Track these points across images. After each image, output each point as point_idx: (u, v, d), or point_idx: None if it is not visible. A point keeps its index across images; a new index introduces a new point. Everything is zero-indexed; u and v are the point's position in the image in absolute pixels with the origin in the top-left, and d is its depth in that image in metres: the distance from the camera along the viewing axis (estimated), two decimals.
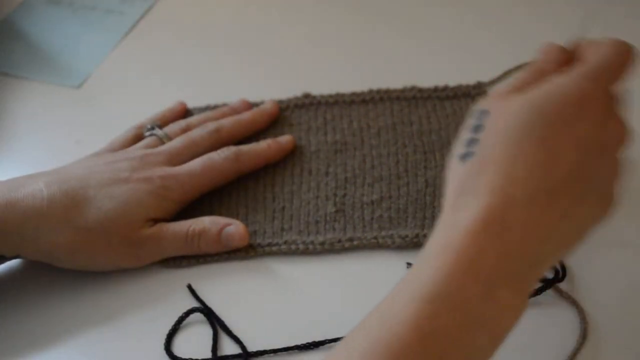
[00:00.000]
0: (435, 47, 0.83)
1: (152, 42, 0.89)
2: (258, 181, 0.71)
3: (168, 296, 0.65)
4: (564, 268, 0.61)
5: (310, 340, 0.60)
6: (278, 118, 0.76)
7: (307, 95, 0.78)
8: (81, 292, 0.66)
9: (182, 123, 0.73)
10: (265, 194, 0.70)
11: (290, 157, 0.73)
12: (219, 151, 0.70)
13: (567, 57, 0.53)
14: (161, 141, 0.72)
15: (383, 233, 0.66)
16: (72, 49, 0.88)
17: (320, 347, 0.60)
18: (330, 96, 0.77)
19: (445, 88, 0.77)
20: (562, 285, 0.61)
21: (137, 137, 0.73)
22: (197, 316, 0.63)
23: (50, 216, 0.63)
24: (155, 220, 0.66)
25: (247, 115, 0.75)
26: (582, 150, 0.49)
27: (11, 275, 0.68)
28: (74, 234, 0.64)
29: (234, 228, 0.66)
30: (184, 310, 0.63)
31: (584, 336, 0.58)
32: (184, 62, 0.86)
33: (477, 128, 0.50)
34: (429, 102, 0.76)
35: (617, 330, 0.59)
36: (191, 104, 0.79)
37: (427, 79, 0.78)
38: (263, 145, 0.72)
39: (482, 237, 0.46)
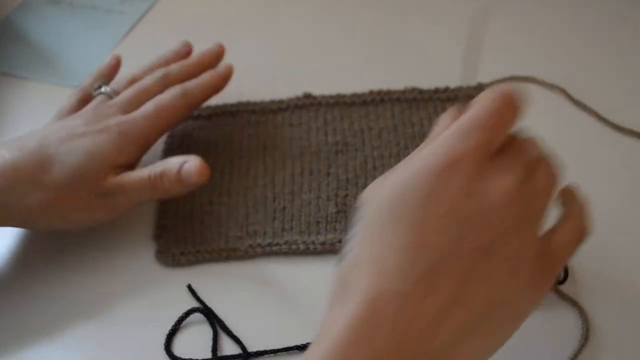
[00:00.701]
0: (436, 49, 0.83)
1: (152, 42, 0.89)
2: (258, 181, 0.71)
3: (168, 296, 0.65)
4: (566, 270, 0.61)
5: (310, 341, 0.60)
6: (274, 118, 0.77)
7: (307, 96, 0.78)
8: (80, 292, 0.66)
9: (128, 76, 0.74)
10: (265, 194, 0.70)
11: (291, 157, 0.73)
12: (166, 92, 0.71)
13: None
14: (110, 98, 0.72)
15: None
16: (72, 49, 0.88)
17: None
18: (331, 97, 0.77)
19: (446, 90, 0.77)
20: (564, 287, 0.61)
21: (83, 100, 0.73)
22: (197, 316, 0.63)
23: (16, 180, 0.64)
24: (121, 168, 0.66)
25: (193, 58, 0.76)
26: (459, 220, 0.45)
27: (5, 275, 0.68)
28: (44, 193, 0.64)
29: (191, 162, 0.65)
30: (184, 310, 0.63)
31: (585, 338, 0.58)
32: None
33: (355, 223, 0.49)
34: (430, 103, 0.76)
35: (619, 332, 0.59)
36: None
37: (428, 81, 0.78)
38: (206, 77, 0.73)
39: (349, 348, 0.44)
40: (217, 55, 0.76)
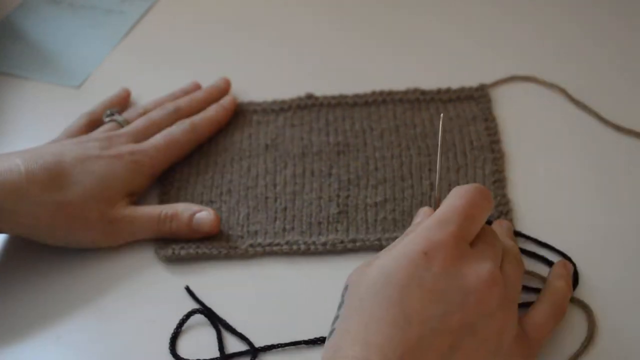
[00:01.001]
0: (438, 50, 0.83)
1: (152, 42, 0.89)
2: (260, 181, 0.71)
3: (170, 296, 0.65)
4: (576, 275, 0.62)
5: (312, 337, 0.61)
6: (276, 118, 0.77)
7: (309, 96, 0.78)
8: (80, 291, 0.66)
9: (139, 108, 0.76)
10: (267, 194, 0.70)
11: (293, 157, 0.73)
12: (175, 125, 0.73)
13: None
14: (120, 126, 0.74)
15: (386, 235, 0.66)
16: (72, 49, 0.88)
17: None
18: (333, 97, 0.77)
19: (448, 90, 0.77)
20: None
21: (91, 124, 0.75)
22: (199, 317, 0.63)
23: (29, 190, 0.64)
24: (131, 197, 0.69)
25: (201, 92, 0.78)
26: (444, 299, 0.49)
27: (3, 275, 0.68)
28: (55, 209, 0.65)
29: (205, 214, 0.67)
30: (186, 310, 0.62)
31: (590, 338, 0.58)
32: (184, 62, 0.86)
33: (340, 306, 0.52)
34: (432, 104, 0.76)
35: (625, 332, 0.59)
36: None
37: (430, 82, 0.78)
38: (212, 111, 0.75)
39: None
40: (223, 90, 0.79)
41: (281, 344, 0.60)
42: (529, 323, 0.55)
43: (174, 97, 0.78)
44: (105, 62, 0.86)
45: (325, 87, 0.78)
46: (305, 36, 0.87)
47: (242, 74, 0.82)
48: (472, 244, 0.53)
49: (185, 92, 0.78)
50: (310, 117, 0.76)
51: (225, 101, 0.77)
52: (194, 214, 0.67)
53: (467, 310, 0.49)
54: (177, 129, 0.73)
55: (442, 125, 0.58)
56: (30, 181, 0.64)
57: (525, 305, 0.58)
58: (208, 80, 0.80)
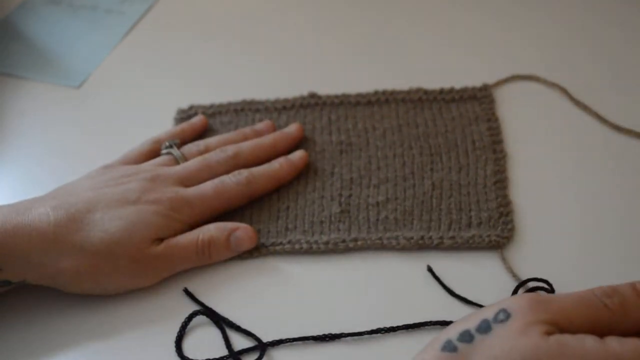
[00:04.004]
0: (441, 49, 0.83)
1: (152, 42, 0.89)
2: None
3: (171, 297, 0.65)
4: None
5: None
6: (279, 117, 0.76)
7: (312, 95, 0.78)
8: (78, 304, 0.65)
9: (201, 145, 0.72)
10: (269, 194, 0.70)
11: None
12: (231, 174, 0.68)
13: None
14: (176, 161, 0.70)
15: (388, 234, 0.66)
16: (72, 49, 0.88)
17: (336, 340, 0.61)
18: (336, 97, 0.77)
19: (451, 90, 0.77)
20: None
21: (153, 152, 0.72)
22: (201, 319, 0.63)
23: (56, 242, 0.62)
24: (162, 239, 0.65)
25: (268, 138, 0.73)
26: None
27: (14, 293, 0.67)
28: (79, 258, 0.62)
29: (242, 232, 0.66)
30: (189, 311, 0.63)
31: None
32: (184, 62, 0.86)
33: (483, 329, 0.47)
34: (434, 104, 0.76)
35: None
36: (192, 103, 0.79)
37: (433, 81, 0.78)
38: (275, 166, 0.70)
39: None
40: (293, 140, 0.73)
41: (289, 339, 0.60)
42: None
43: (243, 136, 0.73)
44: (105, 63, 0.86)
45: (328, 86, 0.78)
46: (308, 35, 0.87)
47: (243, 73, 0.82)
48: None
49: (257, 133, 0.73)
50: (313, 116, 0.76)
51: (295, 156, 0.71)
52: (229, 234, 0.65)
53: None
54: (232, 180, 0.68)
55: None
56: (58, 232, 0.62)
57: None
58: (210, 80, 0.80)
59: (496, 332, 0.46)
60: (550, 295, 0.48)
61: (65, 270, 0.62)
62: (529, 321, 0.46)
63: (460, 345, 0.47)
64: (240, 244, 0.66)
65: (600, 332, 0.47)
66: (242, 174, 0.68)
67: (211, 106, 0.78)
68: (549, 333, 0.46)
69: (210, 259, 0.65)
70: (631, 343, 0.45)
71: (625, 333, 0.48)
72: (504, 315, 0.47)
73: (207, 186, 0.67)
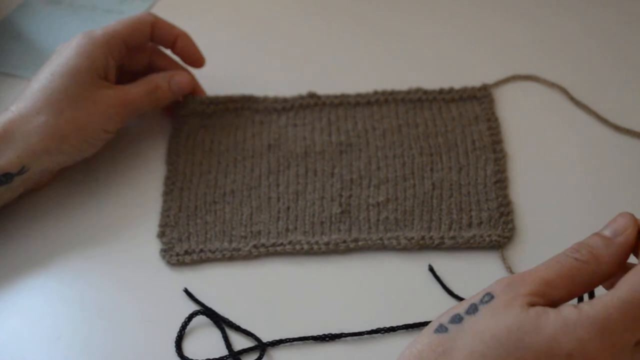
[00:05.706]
0: (441, 49, 0.83)
1: None
2: (262, 181, 0.72)
3: (173, 297, 0.65)
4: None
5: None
6: (278, 118, 0.77)
7: (312, 95, 0.78)
8: (84, 291, 0.66)
9: None
10: (269, 194, 0.70)
11: (295, 157, 0.73)
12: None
13: None
14: None
15: (388, 234, 0.66)
16: None
17: (336, 340, 0.61)
18: (336, 97, 0.77)
19: (451, 90, 0.77)
20: None
21: None
22: (201, 319, 0.63)
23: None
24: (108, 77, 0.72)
25: None
26: None
27: (6, 285, 0.67)
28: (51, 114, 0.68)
29: (180, 76, 0.74)
30: (190, 310, 0.63)
31: None
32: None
33: (471, 311, 0.50)
34: (434, 104, 0.76)
35: None
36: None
37: (433, 81, 0.78)
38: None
39: None
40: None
41: (289, 339, 0.61)
42: None
43: None
44: None
45: (328, 87, 0.78)
46: (307, 35, 0.87)
47: (243, 73, 0.82)
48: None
49: None
50: (312, 116, 0.76)
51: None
52: (169, 80, 0.74)
53: None
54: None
55: None
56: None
57: None
58: (211, 80, 0.80)
59: (482, 312, 0.49)
60: (528, 269, 0.51)
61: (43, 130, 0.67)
62: (510, 297, 0.49)
63: (450, 327, 0.49)
64: (182, 88, 0.75)
65: (584, 287, 0.50)
66: None
67: (210, 101, 0.77)
68: (531, 304, 0.48)
69: (157, 102, 0.74)
70: (600, 303, 0.47)
71: (608, 278, 0.50)
72: (489, 297, 0.50)
73: None
